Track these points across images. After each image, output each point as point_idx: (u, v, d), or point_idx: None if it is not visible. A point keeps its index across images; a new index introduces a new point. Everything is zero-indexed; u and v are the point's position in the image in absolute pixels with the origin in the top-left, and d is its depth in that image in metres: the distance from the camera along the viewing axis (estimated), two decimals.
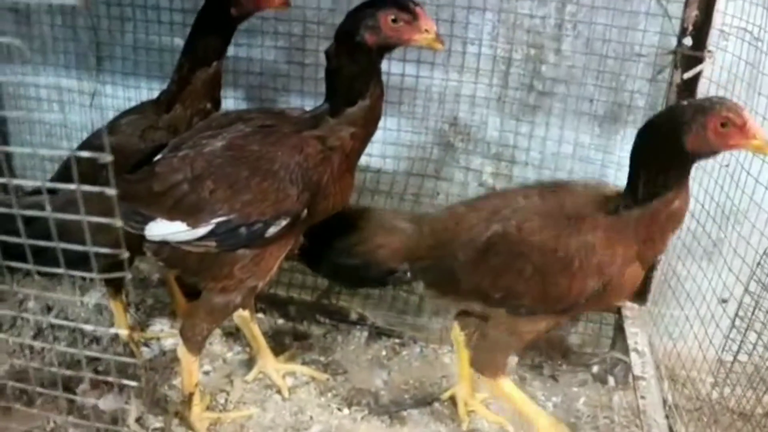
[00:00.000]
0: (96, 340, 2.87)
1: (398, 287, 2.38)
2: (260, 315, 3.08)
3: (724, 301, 2.57)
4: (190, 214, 2.06)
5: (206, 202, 2.04)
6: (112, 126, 2.55)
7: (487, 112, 2.81)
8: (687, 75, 2.50)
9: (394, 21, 1.94)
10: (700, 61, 2.49)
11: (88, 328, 2.87)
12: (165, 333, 2.96)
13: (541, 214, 2.03)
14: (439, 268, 2.20)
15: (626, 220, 1.95)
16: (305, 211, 2.06)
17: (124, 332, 2.80)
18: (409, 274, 2.28)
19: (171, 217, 2.08)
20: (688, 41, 2.50)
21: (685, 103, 2.00)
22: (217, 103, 2.53)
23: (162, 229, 2.09)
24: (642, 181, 1.91)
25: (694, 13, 2.47)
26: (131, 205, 2.10)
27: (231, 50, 2.80)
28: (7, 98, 3.21)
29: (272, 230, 2.06)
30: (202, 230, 2.06)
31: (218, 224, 2.04)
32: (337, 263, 2.36)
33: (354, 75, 2.00)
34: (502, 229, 2.04)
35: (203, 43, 2.42)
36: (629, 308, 2.80)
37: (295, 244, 2.25)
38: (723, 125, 1.77)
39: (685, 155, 1.84)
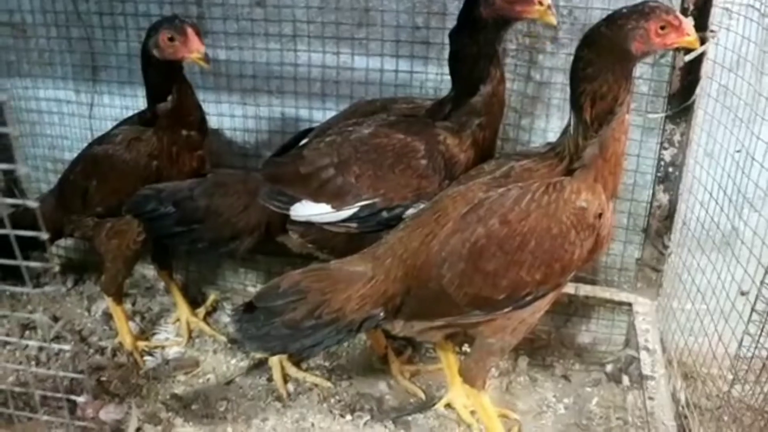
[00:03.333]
0: (101, 350, 2.89)
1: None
2: None
3: (743, 293, 2.45)
4: (335, 196, 2.22)
5: (351, 186, 2.20)
6: (106, 135, 2.68)
7: None
8: (688, 57, 2.39)
9: None
10: (703, 42, 2.37)
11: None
12: (170, 341, 2.98)
13: (516, 199, 1.93)
14: (421, 296, 2.05)
15: (589, 165, 1.94)
16: None
17: (127, 341, 2.85)
18: (382, 315, 2.09)
19: (316, 198, 2.24)
20: (689, 21, 2.39)
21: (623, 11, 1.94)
22: (193, 126, 2.56)
23: (307, 210, 2.26)
24: (589, 109, 1.90)
25: None
26: (277, 186, 2.30)
27: (222, 54, 2.86)
28: (9, 112, 3.25)
29: (410, 212, 2.19)
30: (345, 212, 2.22)
31: (362, 207, 2.20)
32: (302, 330, 2.06)
33: (473, 56, 2.14)
34: (485, 230, 1.93)
35: (150, 84, 2.50)
36: (640, 304, 2.72)
37: None
38: (662, 28, 1.86)
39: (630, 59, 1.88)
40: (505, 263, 1.93)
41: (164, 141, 2.51)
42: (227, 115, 2.96)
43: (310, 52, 2.78)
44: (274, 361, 2.71)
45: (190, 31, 2.30)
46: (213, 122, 2.92)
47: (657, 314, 2.69)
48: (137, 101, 2.91)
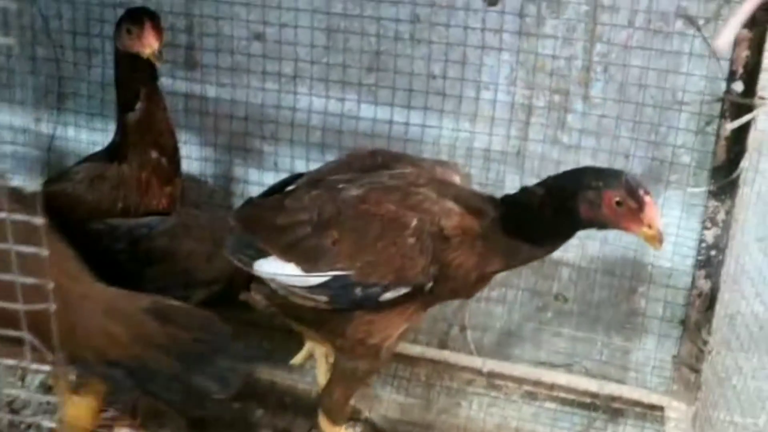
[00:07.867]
0: None
1: None
2: None
3: None
4: (306, 259, 2.05)
5: (326, 251, 2.03)
6: (66, 172, 2.51)
7: (504, 169, 2.57)
8: (731, 125, 2.30)
9: (619, 204, 1.84)
10: (751, 109, 2.27)
11: None
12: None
13: None
14: None
15: None
16: (430, 284, 2.01)
17: None
18: None
19: (286, 257, 2.06)
20: (738, 86, 2.31)
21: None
22: (165, 150, 2.40)
23: (273, 268, 2.09)
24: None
25: (744, 53, 2.28)
26: (248, 232, 2.14)
27: (213, 91, 2.74)
28: None
29: (388, 296, 2.02)
30: (315, 279, 2.03)
31: (334, 277, 2.02)
32: None
33: (546, 225, 1.95)
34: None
35: (119, 84, 2.37)
36: (674, 409, 2.49)
37: (418, 317, 2.18)
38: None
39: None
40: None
41: (133, 164, 2.33)
42: (211, 161, 2.81)
43: (311, 96, 2.66)
44: None
45: (147, 24, 2.18)
46: (194, 168, 2.77)
47: (694, 423, 2.45)
48: (107, 136, 2.68)
